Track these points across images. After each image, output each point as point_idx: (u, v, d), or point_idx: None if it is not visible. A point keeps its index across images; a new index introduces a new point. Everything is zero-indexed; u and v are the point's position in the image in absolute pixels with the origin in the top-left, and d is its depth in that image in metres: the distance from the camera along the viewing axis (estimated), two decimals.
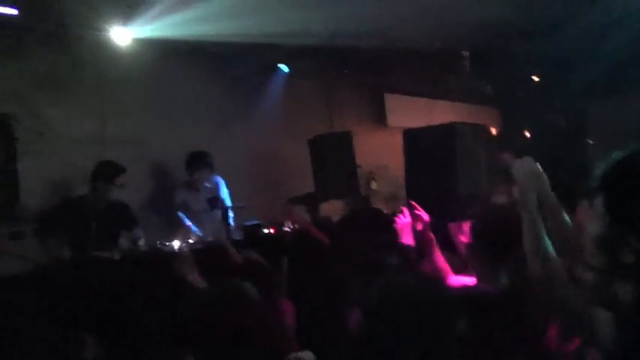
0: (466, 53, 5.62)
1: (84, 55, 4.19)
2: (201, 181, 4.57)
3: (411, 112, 7.09)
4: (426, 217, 2.53)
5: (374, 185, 6.71)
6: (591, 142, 7.21)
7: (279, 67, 5.55)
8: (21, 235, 3.43)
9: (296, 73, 5.77)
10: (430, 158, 4.29)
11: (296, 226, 4.66)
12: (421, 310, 1.36)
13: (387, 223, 2.56)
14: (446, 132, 4.24)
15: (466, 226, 2.28)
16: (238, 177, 5.14)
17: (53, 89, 4.33)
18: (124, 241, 3.75)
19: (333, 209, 5.56)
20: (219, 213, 4.53)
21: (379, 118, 7.16)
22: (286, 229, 4.58)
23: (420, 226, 2.49)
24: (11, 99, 3.82)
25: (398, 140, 6.71)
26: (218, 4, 3.88)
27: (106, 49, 4.22)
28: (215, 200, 4.52)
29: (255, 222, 4.49)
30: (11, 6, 3.61)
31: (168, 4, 3.83)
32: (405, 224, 2.46)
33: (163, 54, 4.50)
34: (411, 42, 5.39)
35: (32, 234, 3.47)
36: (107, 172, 3.78)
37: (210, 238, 4.33)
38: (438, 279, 2.11)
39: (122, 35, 4.14)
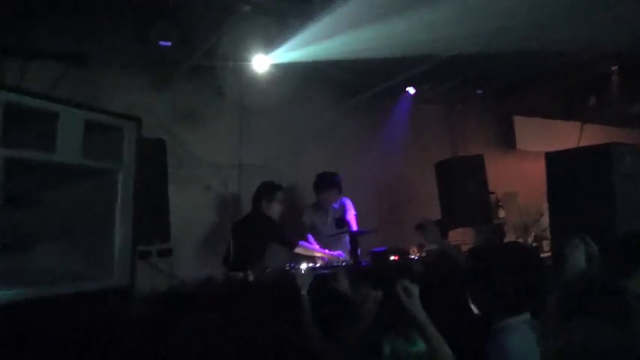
0: (614, 67, 5.05)
1: (225, 84, 4.43)
2: (330, 202, 4.55)
3: (542, 135, 6.59)
4: None
5: (501, 213, 6.28)
6: None
7: (406, 90, 5.46)
8: (169, 252, 3.63)
9: (422, 96, 5.64)
10: (580, 186, 3.85)
11: (423, 253, 4.47)
12: None
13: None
14: (600, 154, 3.79)
15: None
16: (363, 201, 5.08)
17: (195, 117, 4.65)
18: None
19: (461, 237, 5.28)
20: (346, 236, 4.48)
21: (507, 141, 6.74)
22: (412, 256, 4.40)
23: None
24: (163, 126, 4.14)
25: (528, 165, 6.28)
26: (349, 27, 3.88)
27: (245, 77, 4.42)
28: (341, 221, 4.48)
29: (382, 248, 4.37)
30: (165, 42, 3.93)
31: (303, 30, 3.90)
32: None
33: (296, 79, 4.61)
34: (548, 59, 5.00)
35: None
36: (269, 190, 4.15)
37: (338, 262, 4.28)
38: None
39: (262, 62, 4.29)
